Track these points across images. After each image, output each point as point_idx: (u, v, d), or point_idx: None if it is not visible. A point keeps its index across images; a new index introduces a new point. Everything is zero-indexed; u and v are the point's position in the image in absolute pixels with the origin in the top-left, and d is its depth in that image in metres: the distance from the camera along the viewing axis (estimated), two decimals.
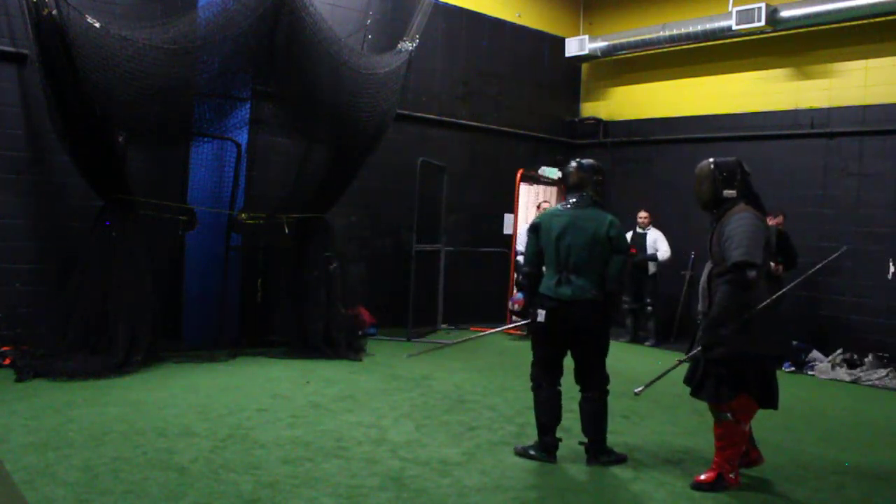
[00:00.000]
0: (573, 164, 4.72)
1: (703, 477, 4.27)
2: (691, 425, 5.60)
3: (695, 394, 4.32)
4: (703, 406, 6.18)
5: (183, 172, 7.35)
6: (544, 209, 9.46)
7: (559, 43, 11.08)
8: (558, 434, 4.64)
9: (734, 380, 4.10)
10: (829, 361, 8.09)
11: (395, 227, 9.36)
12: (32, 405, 5.14)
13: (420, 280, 9.00)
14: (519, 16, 10.75)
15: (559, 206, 4.77)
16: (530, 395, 4.71)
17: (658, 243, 9.35)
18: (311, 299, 7.51)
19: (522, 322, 5.35)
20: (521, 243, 9.31)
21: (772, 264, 8.13)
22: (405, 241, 9.14)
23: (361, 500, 3.83)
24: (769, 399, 4.25)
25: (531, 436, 5.11)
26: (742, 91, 9.75)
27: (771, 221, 8.31)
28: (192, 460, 4.24)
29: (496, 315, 10.14)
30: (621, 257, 4.55)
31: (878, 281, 8.40)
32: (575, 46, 10.92)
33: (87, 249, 6.48)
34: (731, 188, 4.20)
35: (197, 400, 5.53)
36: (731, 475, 4.23)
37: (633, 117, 10.99)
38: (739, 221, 4.05)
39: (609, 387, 4.63)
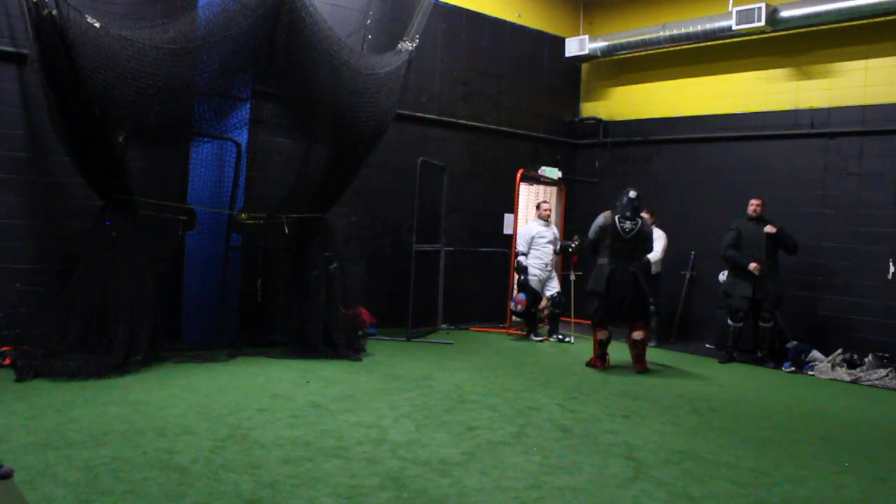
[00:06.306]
0: None
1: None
2: (691, 425, 5.60)
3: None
4: (702, 406, 6.25)
5: (183, 172, 7.35)
6: (544, 209, 9.47)
7: (559, 43, 11.08)
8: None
9: (590, 305, 7.54)
10: (829, 361, 8.09)
11: (395, 227, 9.35)
12: (32, 405, 5.14)
13: (420, 280, 8.99)
14: (519, 16, 10.75)
15: None
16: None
17: (655, 244, 9.33)
18: (311, 299, 7.51)
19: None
20: (520, 243, 9.29)
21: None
22: (405, 241, 9.13)
23: (361, 500, 3.83)
24: (618, 319, 7.57)
25: (531, 436, 5.12)
26: (742, 91, 9.75)
27: (770, 228, 8.34)
28: (192, 460, 4.24)
29: (496, 315, 10.16)
30: None
31: (878, 281, 8.40)
32: (575, 46, 10.92)
33: (88, 249, 6.48)
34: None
35: (197, 400, 5.53)
36: (595, 361, 7.59)
37: (632, 117, 10.98)
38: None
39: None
